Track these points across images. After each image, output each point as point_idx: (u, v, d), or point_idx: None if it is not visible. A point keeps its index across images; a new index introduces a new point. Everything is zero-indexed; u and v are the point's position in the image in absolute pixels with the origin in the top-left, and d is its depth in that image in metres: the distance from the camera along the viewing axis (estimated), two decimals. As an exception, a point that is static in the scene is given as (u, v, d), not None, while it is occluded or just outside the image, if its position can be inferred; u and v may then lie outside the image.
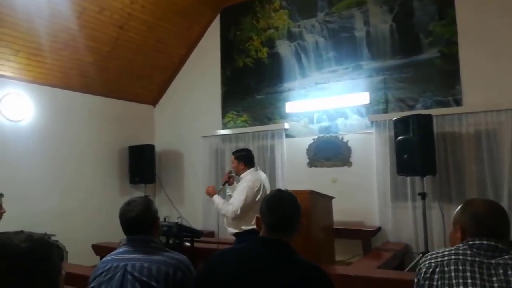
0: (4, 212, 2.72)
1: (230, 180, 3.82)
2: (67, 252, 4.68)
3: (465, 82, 4.54)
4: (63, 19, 4.89)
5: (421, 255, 4.13)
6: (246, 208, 3.49)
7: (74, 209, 5.52)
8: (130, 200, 1.87)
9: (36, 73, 5.22)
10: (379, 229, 4.83)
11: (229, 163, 5.88)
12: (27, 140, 5.17)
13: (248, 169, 3.70)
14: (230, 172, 3.85)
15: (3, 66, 4.89)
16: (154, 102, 7.06)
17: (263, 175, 3.75)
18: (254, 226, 3.58)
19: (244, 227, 3.56)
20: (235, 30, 6.25)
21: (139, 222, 1.79)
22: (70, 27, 5.02)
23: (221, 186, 3.89)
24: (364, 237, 4.78)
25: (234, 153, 3.88)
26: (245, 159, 3.75)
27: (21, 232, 0.89)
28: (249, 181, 3.60)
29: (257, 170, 3.77)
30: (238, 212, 3.49)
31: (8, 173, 4.82)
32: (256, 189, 3.55)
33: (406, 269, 4.13)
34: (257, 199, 3.49)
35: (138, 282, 1.66)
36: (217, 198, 3.68)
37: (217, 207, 3.66)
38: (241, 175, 3.72)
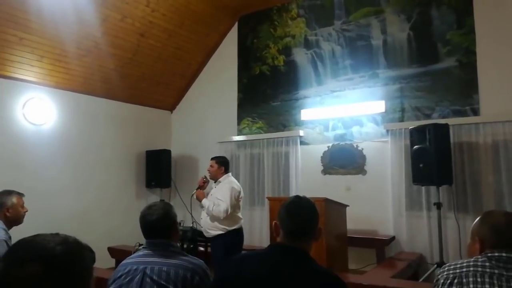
0: (26, 211, 2.82)
1: (204, 185, 4.12)
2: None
3: (483, 92, 4.51)
4: (86, 26, 5.04)
5: (436, 265, 4.10)
6: (231, 208, 3.81)
7: (91, 211, 5.65)
8: (151, 204, 1.93)
9: (59, 79, 5.38)
10: (393, 238, 4.80)
11: (244, 168, 6.00)
12: (48, 143, 5.32)
13: (225, 174, 4.07)
14: (205, 177, 4.16)
15: (27, 71, 5.05)
16: (171, 108, 7.18)
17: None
18: (236, 226, 3.83)
19: (228, 227, 3.85)
20: (253, 38, 6.33)
21: (159, 226, 1.84)
22: (93, 34, 5.17)
23: (195, 191, 4.08)
24: (378, 246, 4.75)
25: (216, 158, 4.19)
26: (226, 165, 4.14)
27: (57, 234, 0.91)
28: (232, 183, 3.98)
29: (229, 176, 4.13)
30: (229, 211, 3.78)
31: (30, 175, 4.97)
32: (238, 190, 3.95)
33: (421, 280, 4.09)
34: (238, 199, 3.93)
35: (156, 285, 1.71)
36: (206, 201, 3.93)
37: (208, 209, 3.87)
38: (220, 179, 4.03)
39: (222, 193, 3.87)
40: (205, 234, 3.97)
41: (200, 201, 3.96)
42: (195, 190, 4.09)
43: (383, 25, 5.19)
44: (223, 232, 3.84)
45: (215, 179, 4.08)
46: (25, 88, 5.12)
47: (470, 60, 4.60)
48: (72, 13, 4.79)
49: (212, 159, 4.17)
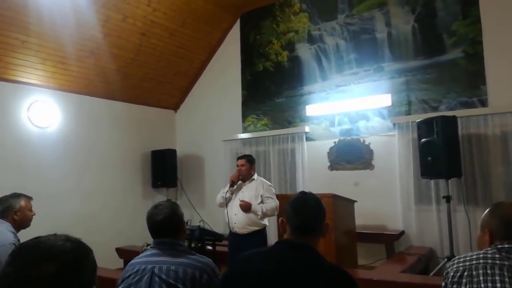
0: (34, 214, 2.80)
1: (236, 182, 3.97)
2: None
3: (491, 82, 4.44)
4: (88, 28, 5.03)
5: (446, 259, 4.06)
6: None
7: (98, 213, 5.65)
8: (157, 204, 1.92)
9: (63, 81, 5.39)
10: (402, 233, 4.75)
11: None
12: (53, 146, 5.33)
13: (255, 172, 4.05)
14: (239, 176, 3.99)
15: (31, 74, 5.05)
16: (175, 107, 7.17)
17: None
18: (267, 222, 3.89)
19: (265, 223, 3.92)
20: (255, 34, 6.29)
21: (166, 225, 1.83)
22: (95, 35, 5.16)
23: (233, 187, 3.95)
24: (387, 241, 4.72)
25: (245, 157, 4.08)
26: (254, 163, 4.10)
27: (55, 234, 0.92)
28: (266, 181, 4.04)
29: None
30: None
31: (36, 177, 4.97)
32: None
33: (431, 274, 4.05)
34: None
35: (165, 284, 1.70)
36: (258, 207, 3.83)
37: (265, 213, 3.82)
38: (254, 177, 4.00)
39: (267, 192, 3.87)
40: (239, 231, 3.86)
41: (250, 210, 3.80)
42: (229, 188, 3.94)
43: (387, 17, 5.13)
44: (261, 228, 3.86)
45: (247, 178, 3.97)
46: (29, 91, 5.13)
47: (476, 51, 4.54)
48: (73, 15, 4.79)
49: (241, 158, 4.05)
